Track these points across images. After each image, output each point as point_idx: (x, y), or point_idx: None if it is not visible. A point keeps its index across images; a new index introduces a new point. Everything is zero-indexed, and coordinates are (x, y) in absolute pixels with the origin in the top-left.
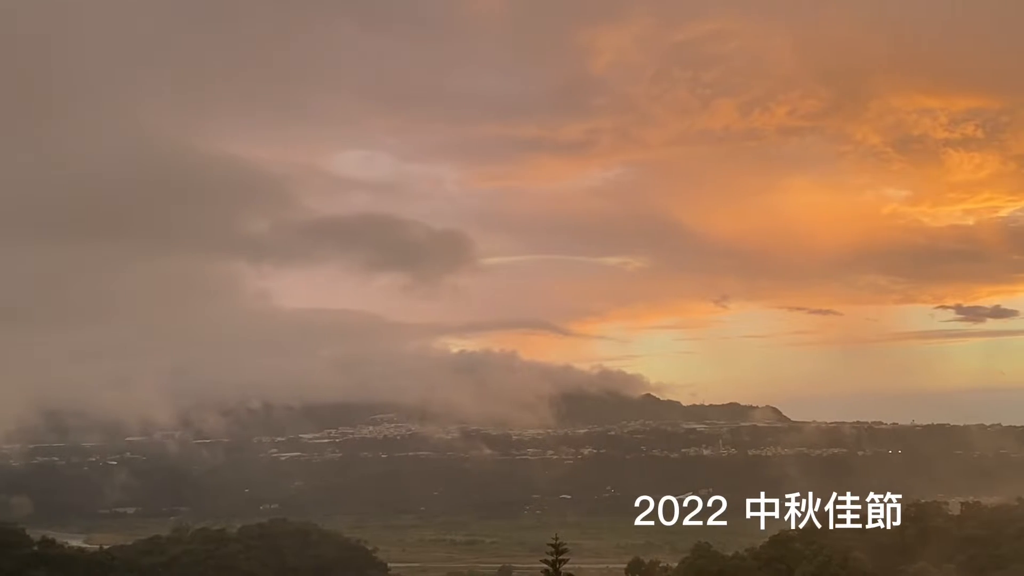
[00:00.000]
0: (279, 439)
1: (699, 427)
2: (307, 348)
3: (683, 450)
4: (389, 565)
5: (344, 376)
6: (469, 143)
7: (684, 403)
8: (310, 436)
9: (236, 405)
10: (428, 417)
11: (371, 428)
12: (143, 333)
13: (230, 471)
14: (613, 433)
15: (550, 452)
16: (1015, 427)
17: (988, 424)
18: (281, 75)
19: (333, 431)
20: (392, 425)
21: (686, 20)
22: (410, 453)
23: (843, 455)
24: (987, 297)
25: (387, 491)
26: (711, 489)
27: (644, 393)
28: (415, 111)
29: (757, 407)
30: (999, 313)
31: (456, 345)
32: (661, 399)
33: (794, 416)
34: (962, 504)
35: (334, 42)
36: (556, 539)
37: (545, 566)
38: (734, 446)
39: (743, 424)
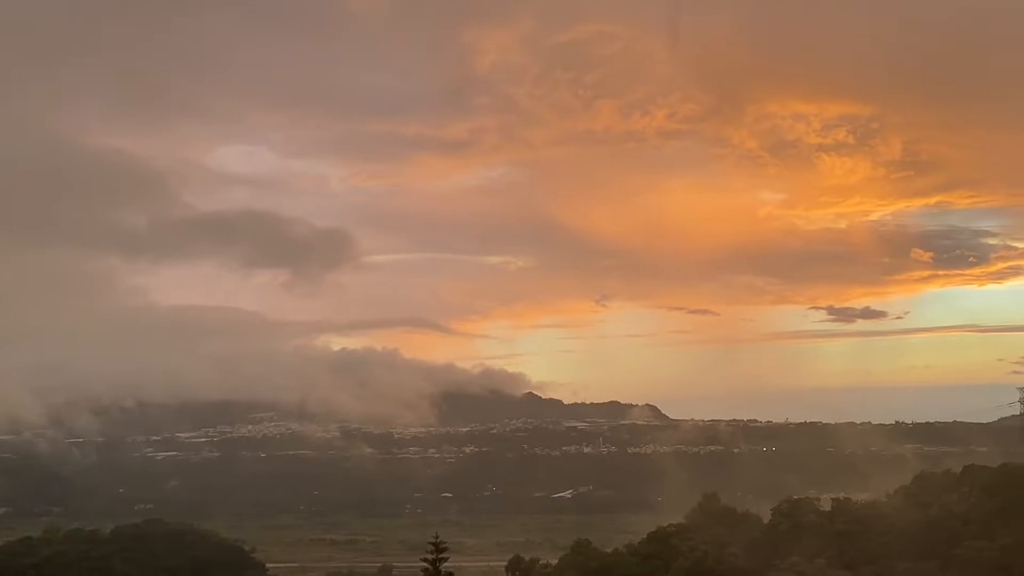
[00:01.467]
0: (154, 438)
1: (580, 425)
2: (184, 346)
3: (564, 448)
4: (268, 565)
5: (222, 374)
6: (353, 140)
7: (566, 401)
8: (187, 435)
9: (109, 403)
10: (308, 416)
11: (250, 427)
12: (12, 329)
13: (103, 471)
14: (495, 431)
15: (432, 450)
16: (884, 425)
17: (858, 422)
18: (162, 70)
19: (211, 430)
20: (272, 424)
21: (569, 22)
22: (290, 452)
23: (719, 452)
24: (858, 298)
25: (266, 491)
26: (592, 487)
27: (526, 392)
28: (299, 107)
29: (637, 405)
30: (869, 314)
31: (338, 343)
32: (543, 398)
33: (672, 414)
34: (833, 500)
35: (216, 38)
36: (436, 537)
37: (425, 564)
38: (614, 444)
39: (623, 422)
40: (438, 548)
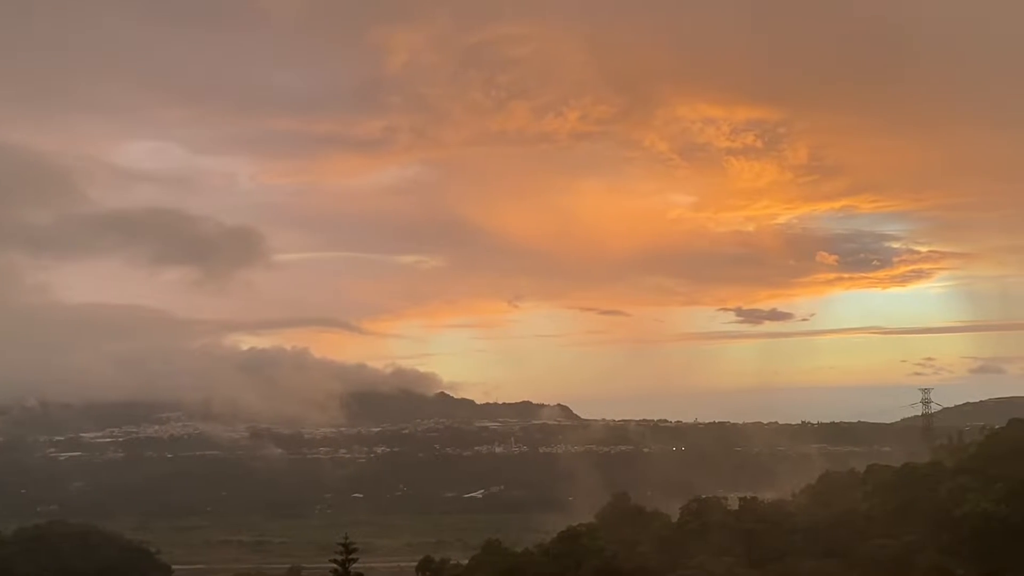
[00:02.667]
0: (57, 438)
1: (492, 425)
2: (89, 344)
3: (476, 448)
4: (173, 567)
5: (128, 373)
6: (264, 137)
7: (478, 401)
8: (91, 435)
9: (11, 403)
10: (216, 416)
11: (156, 427)
12: None
13: (5, 471)
14: (407, 431)
15: (342, 451)
16: (791, 425)
17: (765, 422)
18: (66, 64)
19: (116, 430)
20: (178, 424)
21: (482, 22)
22: (197, 453)
23: (630, 452)
24: (765, 300)
25: (173, 492)
26: (503, 486)
27: (438, 391)
28: (208, 103)
29: (548, 405)
30: (776, 316)
31: (246, 342)
32: (455, 397)
33: (584, 414)
34: (741, 499)
35: (122, 32)
36: (346, 538)
37: (335, 565)
38: (526, 444)
39: (535, 422)
40: (347, 549)
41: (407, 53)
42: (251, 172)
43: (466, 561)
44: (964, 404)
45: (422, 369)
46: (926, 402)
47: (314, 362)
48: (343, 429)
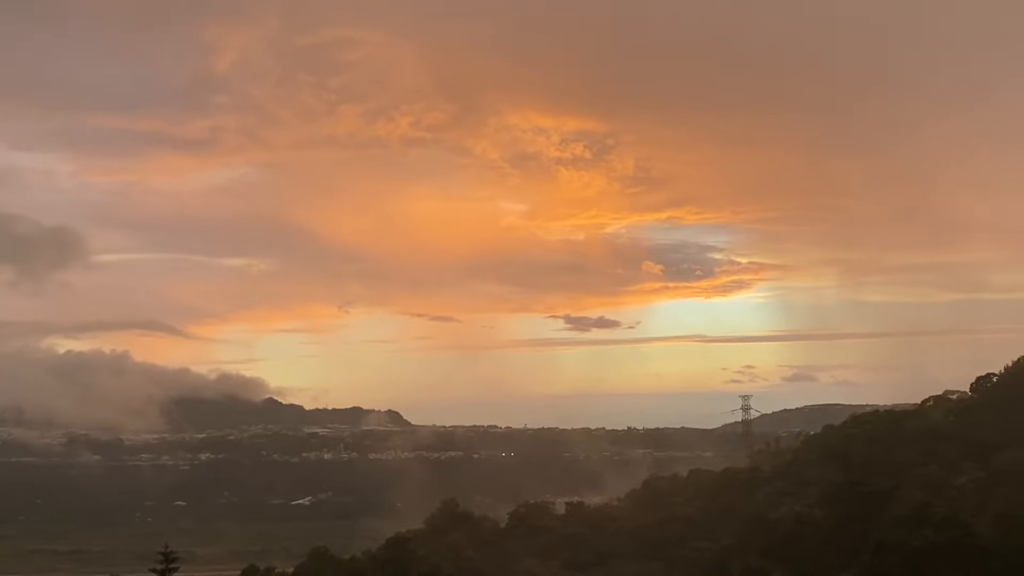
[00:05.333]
0: None
1: (321, 431)
2: None
3: (304, 454)
4: None
5: None
6: (86, 134)
7: (306, 407)
8: None
9: None
10: (30, 422)
11: None
12: None
13: None
14: (232, 438)
15: (165, 457)
16: (617, 430)
17: (593, 428)
18: None
19: None
20: None
21: (314, 26)
22: (11, 460)
23: (459, 458)
24: (593, 308)
25: None
26: (331, 493)
27: (266, 397)
28: (25, 97)
29: (378, 411)
30: (603, 323)
31: (63, 346)
32: (283, 403)
33: (414, 420)
34: (568, 504)
35: None
36: (167, 547)
37: (154, 575)
38: (355, 450)
39: (364, 428)
40: (168, 558)
41: (236, 52)
42: (71, 170)
43: (292, 569)
44: (781, 411)
45: (249, 374)
46: (746, 408)
47: (135, 366)
48: (165, 435)
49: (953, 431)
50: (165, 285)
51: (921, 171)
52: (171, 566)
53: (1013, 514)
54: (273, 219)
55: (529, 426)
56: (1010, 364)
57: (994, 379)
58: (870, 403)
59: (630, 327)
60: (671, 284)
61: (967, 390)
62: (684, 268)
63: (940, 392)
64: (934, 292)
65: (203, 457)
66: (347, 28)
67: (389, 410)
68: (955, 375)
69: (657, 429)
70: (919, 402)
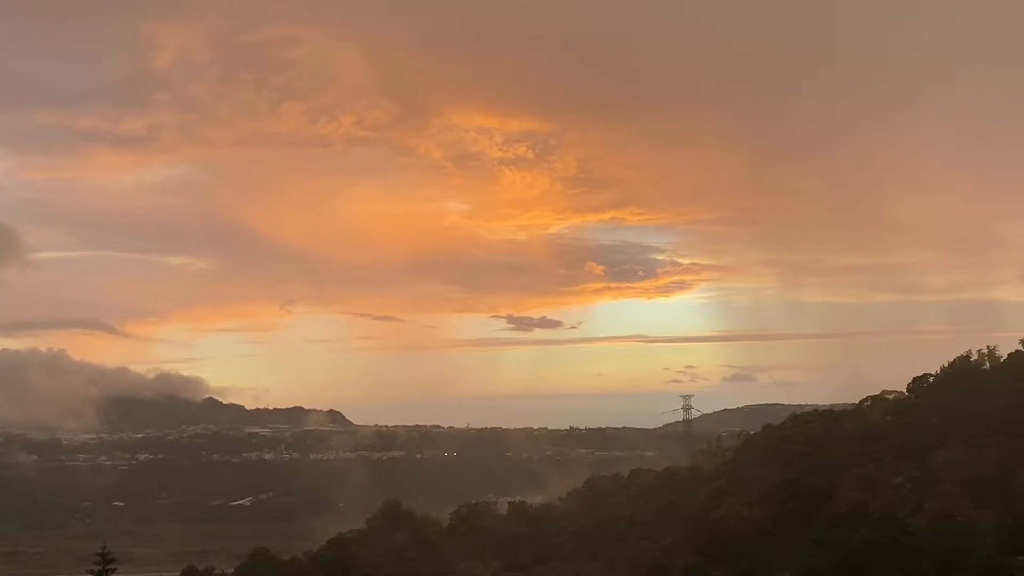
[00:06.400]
0: None
1: (262, 431)
2: None
3: (244, 454)
4: None
5: None
6: (22, 130)
7: (247, 407)
8: None
9: None
10: None
11: None
12: None
13: None
14: (171, 438)
15: (102, 458)
16: (559, 430)
17: (535, 427)
18: None
19: None
20: None
21: (256, 23)
22: None
23: (402, 458)
24: (536, 308)
25: None
26: (272, 493)
27: (205, 397)
28: None
29: (319, 411)
30: (545, 323)
31: None
32: (223, 403)
33: (356, 420)
34: (510, 503)
35: None
36: (104, 548)
37: None
38: (296, 450)
39: (306, 428)
40: (105, 559)
41: (176, 49)
42: (7, 167)
43: (232, 570)
44: (722, 410)
45: (188, 374)
46: (687, 408)
47: (72, 365)
48: (103, 435)
49: (890, 431)
50: (103, 283)
51: (859, 173)
52: (108, 567)
53: (949, 513)
54: (213, 217)
55: (472, 426)
56: (946, 365)
57: (930, 380)
58: (809, 403)
59: (572, 327)
60: (613, 284)
61: (904, 390)
62: (626, 269)
63: (878, 392)
64: (872, 293)
65: (142, 457)
66: (290, 26)
67: (331, 410)
68: (892, 376)
69: (599, 429)
70: (857, 402)
